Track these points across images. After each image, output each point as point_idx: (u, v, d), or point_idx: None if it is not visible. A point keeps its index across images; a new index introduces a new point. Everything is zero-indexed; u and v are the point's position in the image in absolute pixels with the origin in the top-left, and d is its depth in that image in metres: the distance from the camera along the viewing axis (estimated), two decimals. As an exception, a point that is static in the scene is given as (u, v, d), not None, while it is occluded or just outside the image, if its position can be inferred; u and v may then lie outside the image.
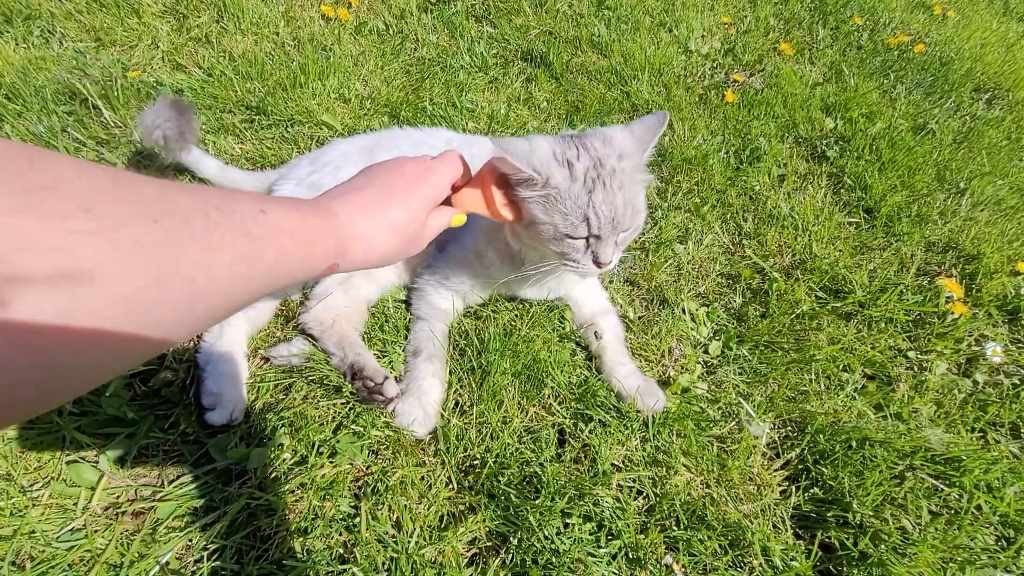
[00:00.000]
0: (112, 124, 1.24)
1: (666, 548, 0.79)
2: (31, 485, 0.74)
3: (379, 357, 0.95)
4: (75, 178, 0.31)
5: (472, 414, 0.88)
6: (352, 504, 0.78)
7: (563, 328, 1.02)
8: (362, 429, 0.83)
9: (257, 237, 0.40)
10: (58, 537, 0.70)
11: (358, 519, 0.75)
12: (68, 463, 0.76)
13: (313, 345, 0.93)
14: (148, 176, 0.36)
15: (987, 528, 0.86)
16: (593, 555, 0.76)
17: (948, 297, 1.18)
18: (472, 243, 0.95)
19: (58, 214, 0.28)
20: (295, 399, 0.87)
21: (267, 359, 0.92)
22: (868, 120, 1.71)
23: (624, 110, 1.61)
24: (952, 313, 1.14)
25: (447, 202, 0.65)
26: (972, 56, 2.17)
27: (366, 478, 0.80)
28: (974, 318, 1.18)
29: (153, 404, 0.83)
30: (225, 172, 1.13)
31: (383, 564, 0.72)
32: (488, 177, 0.70)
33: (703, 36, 2.00)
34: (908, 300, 1.17)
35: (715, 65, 1.87)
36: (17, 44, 1.41)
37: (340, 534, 0.75)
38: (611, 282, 1.15)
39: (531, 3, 1.96)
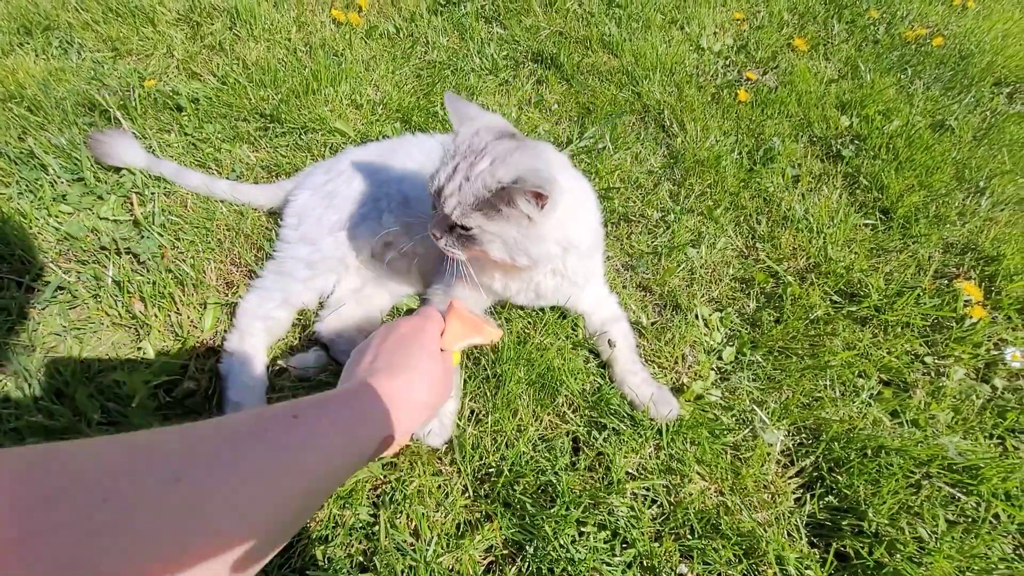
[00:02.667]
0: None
1: (680, 557, 0.80)
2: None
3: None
4: (89, 471, 0.33)
5: (487, 423, 0.89)
6: (371, 512, 0.79)
7: (576, 336, 1.02)
8: (379, 438, 0.85)
9: (293, 447, 0.43)
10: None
11: (377, 527, 0.77)
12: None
13: (328, 354, 0.94)
14: (166, 429, 0.39)
15: (1005, 537, 0.86)
16: (608, 563, 0.77)
17: (966, 300, 1.16)
18: (474, 273, 0.95)
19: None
20: (314, 408, 0.88)
21: (285, 369, 0.94)
22: (885, 118, 1.68)
23: (635, 111, 1.60)
24: (970, 317, 1.13)
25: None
26: (993, 49, 2.12)
27: (384, 487, 0.82)
28: (993, 322, 1.16)
29: (177, 413, 0.86)
30: (236, 189, 1.15)
31: (402, 572, 0.74)
32: (453, 312, 0.75)
33: (715, 33, 1.98)
34: (925, 304, 1.16)
35: (728, 63, 1.85)
36: (37, 55, 1.44)
37: (360, 542, 0.77)
38: (624, 288, 1.15)
39: (541, 3, 1.95)
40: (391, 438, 0.53)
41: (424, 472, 0.83)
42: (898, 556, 0.80)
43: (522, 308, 1.03)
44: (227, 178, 1.23)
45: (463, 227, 0.75)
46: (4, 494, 0.29)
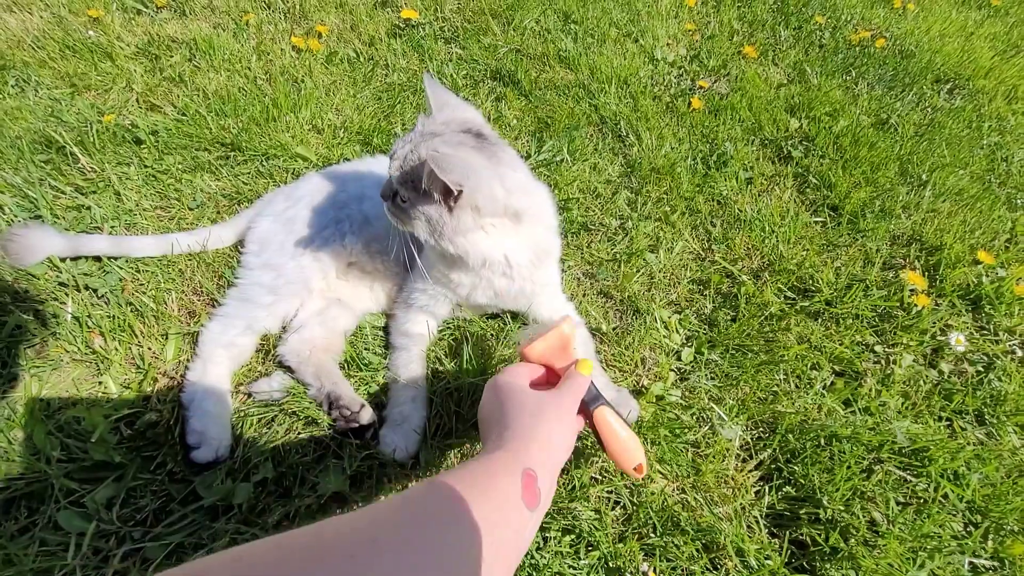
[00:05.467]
0: (89, 170, 1.26)
1: (644, 556, 0.82)
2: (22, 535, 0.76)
3: (359, 385, 0.98)
4: None
5: (453, 436, 0.91)
6: (337, 532, 0.80)
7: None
8: (344, 458, 0.86)
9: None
10: (50, 584, 0.72)
11: (343, 547, 0.77)
12: (59, 510, 0.78)
13: (292, 377, 0.95)
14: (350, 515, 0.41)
15: (954, 516, 0.89)
16: (573, 567, 0.79)
17: (912, 290, 1.21)
18: (423, 260, 0.97)
19: None
20: (277, 433, 0.89)
21: (249, 395, 0.94)
22: (832, 118, 1.75)
23: (593, 122, 1.64)
24: (916, 305, 1.18)
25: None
26: (932, 48, 2.22)
27: (351, 507, 0.83)
28: (937, 309, 1.21)
29: (140, 446, 0.86)
30: (200, 238, 1.10)
31: (369, 590, 0.75)
32: (533, 345, 0.75)
33: (668, 44, 2.05)
34: (873, 295, 1.21)
35: (681, 72, 1.92)
36: (-7, 95, 1.44)
37: (326, 563, 0.77)
38: (584, 295, 1.18)
39: (499, 22, 2.00)
40: (534, 492, 0.51)
41: (392, 489, 0.84)
42: (852, 541, 0.83)
43: (485, 312, 1.06)
44: (188, 207, 1.24)
45: (401, 196, 0.79)
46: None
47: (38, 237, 1.02)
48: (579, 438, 0.83)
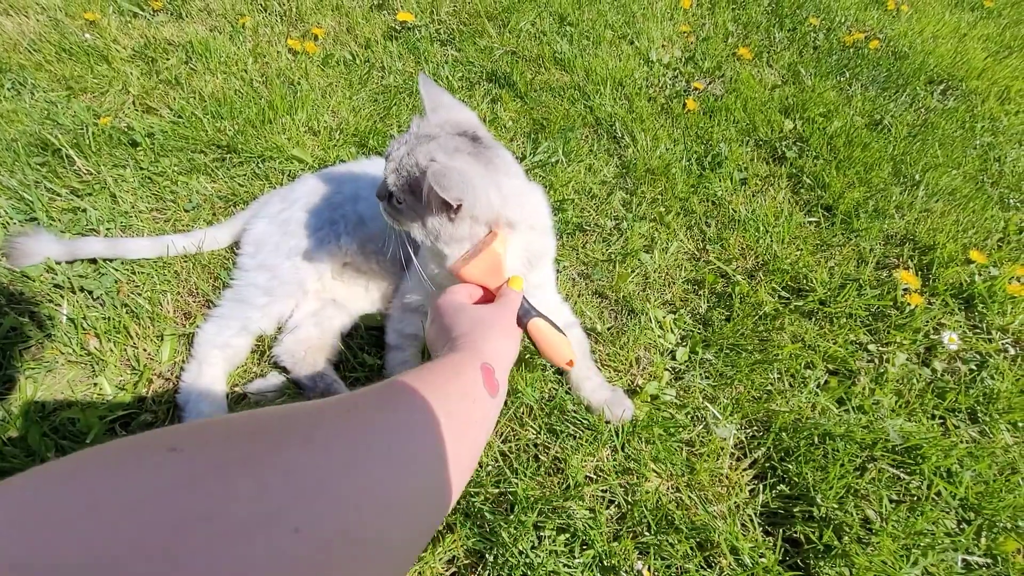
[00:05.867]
0: (85, 172, 1.27)
1: (638, 554, 0.82)
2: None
3: (355, 385, 0.98)
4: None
5: (446, 436, 0.91)
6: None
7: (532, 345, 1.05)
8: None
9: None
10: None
11: (338, 547, 0.78)
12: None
13: (287, 377, 0.96)
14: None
15: (947, 513, 0.90)
16: (568, 566, 0.79)
17: (905, 289, 1.22)
18: (419, 260, 0.98)
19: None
20: (273, 433, 0.89)
21: (245, 395, 0.95)
22: (826, 119, 1.76)
23: (588, 124, 1.65)
24: (909, 304, 1.19)
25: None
26: (925, 49, 2.24)
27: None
28: (930, 308, 1.22)
29: (134, 447, 0.86)
30: (196, 239, 1.11)
31: (363, 589, 0.75)
32: (469, 263, 0.77)
33: (663, 46, 2.06)
34: (867, 294, 1.21)
35: (676, 74, 1.93)
36: (-12, 98, 1.44)
37: (321, 563, 0.77)
38: (580, 296, 1.18)
39: (495, 24, 2.01)
40: (493, 382, 0.56)
41: (385, 489, 0.84)
42: (846, 538, 0.84)
43: None
44: (184, 209, 1.24)
45: (397, 199, 0.79)
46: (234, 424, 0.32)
47: (35, 243, 1.02)
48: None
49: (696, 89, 1.85)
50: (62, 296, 1.03)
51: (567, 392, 0.98)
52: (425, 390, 0.45)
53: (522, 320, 0.76)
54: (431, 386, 0.46)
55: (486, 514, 0.81)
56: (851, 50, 2.18)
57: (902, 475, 0.93)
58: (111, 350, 0.97)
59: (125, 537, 0.25)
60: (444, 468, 0.43)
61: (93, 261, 1.08)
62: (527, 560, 0.78)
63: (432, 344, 0.68)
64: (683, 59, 2.00)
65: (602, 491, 0.88)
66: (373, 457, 0.36)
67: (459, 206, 0.74)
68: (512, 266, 0.88)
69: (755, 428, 0.99)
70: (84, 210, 1.18)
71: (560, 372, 1.02)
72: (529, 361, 1.01)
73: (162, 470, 0.28)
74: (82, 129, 1.36)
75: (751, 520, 0.88)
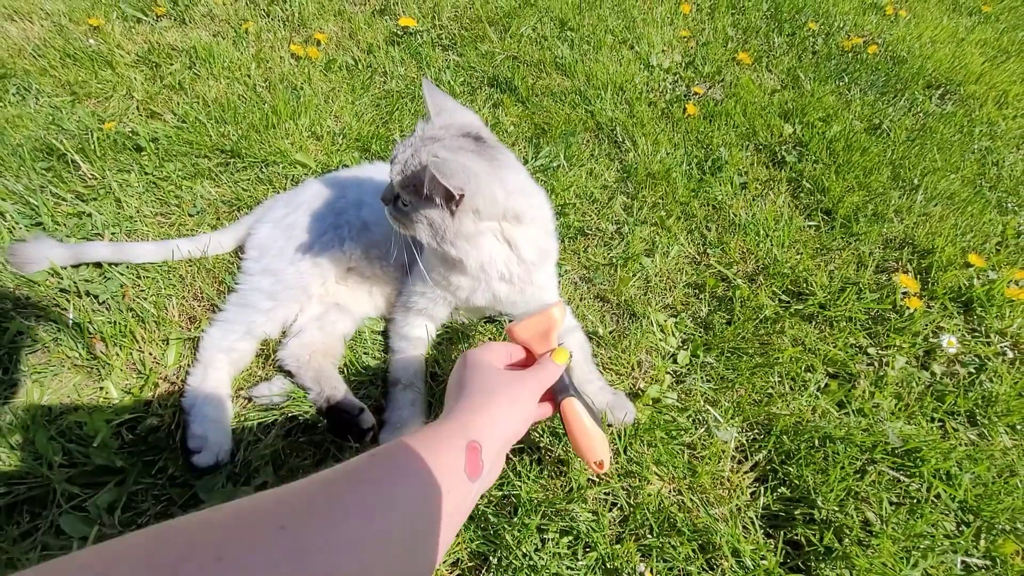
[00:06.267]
0: (90, 177, 1.27)
1: (640, 556, 0.82)
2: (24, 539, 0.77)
3: (359, 389, 0.99)
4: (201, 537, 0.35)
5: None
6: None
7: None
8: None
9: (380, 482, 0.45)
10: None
11: (343, 550, 0.78)
12: (61, 514, 0.78)
13: (291, 381, 0.96)
14: (263, 492, 0.40)
15: (947, 515, 0.91)
16: (571, 568, 0.80)
17: (904, 292, 1.23)
18: (423, 263, 0.98)
19: None
20: (277, 437, 0.90)
21: (250, 399, 0.95)
22: (825, 123, 1.77)
23: (589, 129, 1.66)
24: (908, 308, 1.20)
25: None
26: (923, 54, 2.25)
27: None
28: (929, 311, 1.23)
29: (141, 451, 0.86)
30: (201, 244, 1.11)
31: (369, 592, 0.75)
32: (517, 327, 0.75)
33: (664, 51, 2.07)
34: (866, 298, 1.22)
35: (676, 79, 1.94)
36: (-6, 104, 1.45)
37: (326, 565, 0.78)
38: (582, 299, 1.19)
39: (496, 29, 2.02)
40: (476, 464, 0.53)
41: (389, 492, 0.85)
42: (846, 541, 0.84)
43: (483, 315, 1.07)
44: (188, 214, 1.25)
45: (402, 200, 0.80)
46: (141, 566, 0.32)
47: (37, 249, 1.03)
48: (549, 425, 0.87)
49: (696, 94, 1.86)
50: (68, 300, 1.04)
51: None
52: (405, 476, 0.45)
53: (556, 397, 0.71)
54: (411, 471, 0.45)
55: (490, 517, 0.82)
56: (850, 55, 2.19)
57: (902, 478, 0.93)
58: (117, 354, 0.98)
59: None
60: (413, 560, 0.43)
61: (98, 265, 1.09)
62: (531, 562, 0.78)
63: (447, 394, 0.65)
64: (683, 64, 2.02)
65: (604, 494, 0.88)
66: (347, 550, 0.38)
67: (461, 197, 0.74)
68: (520, 262, 0.88)
69: (756, 431, 1.00)
70: (89, 215, 1.19)
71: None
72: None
73: None
74: (87, 134, 1.37)
75: (752, 522, 0.88)
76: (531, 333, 0.74)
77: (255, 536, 0.35)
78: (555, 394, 0.71)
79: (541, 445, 0.93)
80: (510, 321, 0.76)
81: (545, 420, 0.82)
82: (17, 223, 1.15)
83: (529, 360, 0.75)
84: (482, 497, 0.84)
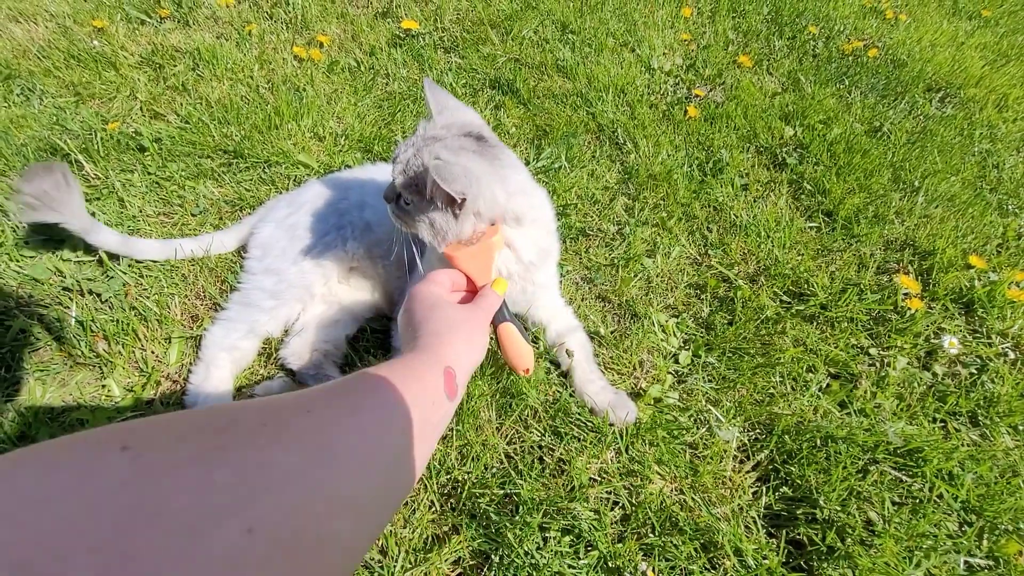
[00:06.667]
0: (93, 177, 1.28)
1: (642, 556, 0.82)
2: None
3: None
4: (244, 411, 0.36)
5: (453, 437, 0.92)
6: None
7: (537, 348, 1.06)
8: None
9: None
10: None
11: (344, 547, 0.78)
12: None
13: (293, 380, 0.96)
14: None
15: (949, 515, 0.90)
16: (573, 567, 0.80)
17: (906, 293, 1.23)
18: (425, 262, 0.99)
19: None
20: (280, 435, 0.90)
21: (252, 397, 0.95)
22: (825, 126, 1.78)
23: (590, 130, 1.67)
24: (910, 309, 1.20)
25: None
26: (923, 57, 2.26)
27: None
28: (930, 312, 1.23)
29: (142, 448, 0.86)
30: (205, 243, 1.12)
31: (370, 590, 0.75)
32: (455, 259, 0.79)
33: (665, 54, 2.08)
34: (868, 299, 1.22)
35: (677, 81, 1.95)
36: (-2, 104, 1.46)
37: (328, 563, 0.78)
38: (583, 299, 1.19)
39: (498, 32, 2.03)
40: (453, 387, 0.57)
41: (391, 490, 0.85)
42: (849, 540, 0.84)
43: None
44: (191, 214, 1.25)
45: (404, 200, 0.80)
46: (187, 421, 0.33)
47: (69, 198, 0.95)
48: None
49: (697, 96, 1.87)
50: (71, 299, 1.04)
51: (571, 395, 0.99)
52: (388, 390, 0.46)
53: (495, 322, 0.78)
54: (394, 387, 0.47)
55: (491, 515, 0.81)
56: (850, 58, 2.20)
57: (904, 478, 0.93)
58: (119, 352, 0.98)
59: (71, 532, 0.25)
60: (401, 470, 0.44)
61: (100, 263, 1.10)
62: (532, 561, 0.78)
63: (400, 331, 0.68)
64: (684, 67, 2.02)
65: (606, 493, 0.88)
66: (331, 458, 0.36)
67: (463, 200, 0.75)
68: (521, 261, 0.89)
69: (758, 431, 1.00)
70: (92, 214, 1.19)
71: (564, 375, 1.03)
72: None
73: (110, 468, 0.28)
74: (90, 134, 1.38)
75: (754, 522, 0.88)
76: (473, 262, 0.78)
77: (236, 441, 0.33)
78: (493, 320, 0.78)
79: (543, 444, 0.93)
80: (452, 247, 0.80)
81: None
82: (20, 222, 1.16)
83: (470, 286, 0.78)
84: (484, 495, 0.84)
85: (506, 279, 0.91)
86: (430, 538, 0.82)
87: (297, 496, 0.32)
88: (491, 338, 0.83)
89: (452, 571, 0.80)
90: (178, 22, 1.88)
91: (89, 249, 1.09)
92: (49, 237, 1.13)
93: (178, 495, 0.28)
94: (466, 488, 0.85)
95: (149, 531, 0.26)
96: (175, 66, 1.66)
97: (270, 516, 0.30)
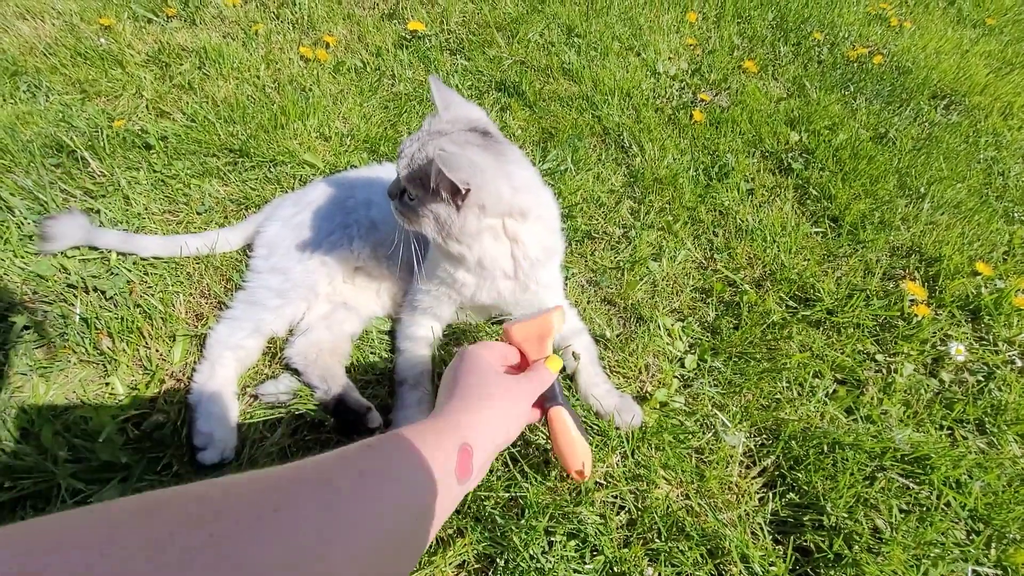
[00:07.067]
0: (99, 174, 1.28)
1: (648, 560, 0.82)
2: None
3: (365, 388, 0.99)
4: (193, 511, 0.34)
5: (457, 440, 0.91)
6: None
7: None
8: (350, 460, 0.86)
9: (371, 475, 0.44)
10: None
11: (348, 549, 0.78)
12: (65, 510, 0.78)
13: (298, 379, 0.96)
14: (250, 473, 0.40)
15: (957, 523, 0.90)
16: (578, 571, 0.79)
17: (912, 300, 1.23)
18: (429, 260, 0.99)
19: None
20: (283, 435, 0.89)
21: (256, 396, 0.95)
22: (831, 132, 1.78)
23: (596, 133, 1.67)
24: (916, 315, 1.19)
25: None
26: (928, 65, 2.26)
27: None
28: (937, 319, 1.22)
29: (146, 447, 0.86)
30: (209, 240, 1.12)
31: (374, 592, 0.75)
32: (513, 329, 0.76)
33: (670, 58, 2.08)
34: (874, 305, 1.22)
35: (682, 86, 1.95)
36: (4, 100, 1.46)
37: (331, 565, 0.77)
38: (589, 302, 1.19)
39: (504, 35, 2.03)
40: (467, 467, 0.53)
41: (395, 492, 0.84)
42: (856, 547, 0.83)
43: (488, 314, 1.07)
44: (196, 212, 1.25)
45: (409, 195, 0.79)
46: (135, 537, 0.31)
47: (71, 225, 1.06)
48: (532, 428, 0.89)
49: (703, 100, 1.87)
50: (75, 296, 1.04)
51: (577, 399, 0.98)
52: (399, 469, 0.45)
53: (545, 404, 0.71)
54: (405, 465, 0.45)
55: (497, 518, 0.81)
56: (855, 64, 2.20)
57: (911, 485, 0.93)
58: (123, 350, 0.97)
59: None
60: (400, 555, 0.43)
61: (105, 261, 1.09)
62: (538, 565, 0.77)
63: (442, 387, 0.65)
64: (689, 71, 2.03)
65: (612, 497, 0.88)
66: (339, 535, 0.37)
67: (467, 191, 0.74)
68: (525, 258, 0.88)
69: (764, 436, 0.99)
70: (98, 211, 1.19)
71: (570, 378, 1.02)
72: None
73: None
74: (96, 132, 1.37)
75: (761, 528, 0.88)
76: (528, 336, 0.74)
77: (250, 516, 0.34)
78: (544, 401, 0.72)
79: (548, 448, 0.92)
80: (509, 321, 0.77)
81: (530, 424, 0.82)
82: (26, 219, 1.15)
83: (523, 363, 0.75)
84: (489, 498, 0.84)
85: (509, 276, 0.90)
86: (434, 541, 0.81)
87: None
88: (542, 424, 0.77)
89: (456, 574, 0.79)
90: (185, 21, 1.88)
91: (94, 246, 1.09)
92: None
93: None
94: (471, 491, 0.84)
95: None
96: (181, 65, 1.66)
97: None
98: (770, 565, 0.82)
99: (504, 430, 0.60)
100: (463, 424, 0.55)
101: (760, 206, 1.49)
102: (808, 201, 1.53)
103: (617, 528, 0.85)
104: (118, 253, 1.10)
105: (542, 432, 0.93)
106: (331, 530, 0.37)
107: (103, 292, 1.05)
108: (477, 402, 0.58)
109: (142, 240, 1.09)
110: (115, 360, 0.96)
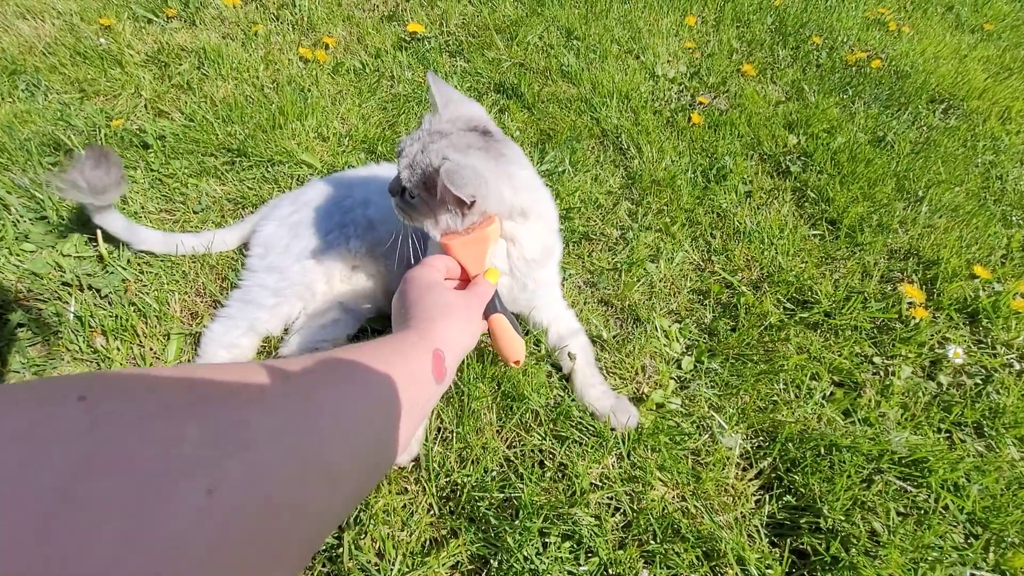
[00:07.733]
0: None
1: (643, 562, 0.81)
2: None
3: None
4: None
5: (453, 440, 0.91)
6: (335, 535, 0.79)
7: (539, 351, 1.05)
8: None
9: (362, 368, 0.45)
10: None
11: (341, 550, 0.77)
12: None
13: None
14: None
15: (955, 527, 0.89)
16: (573, 573, 0.78)
17: (910, 303, 1.22)
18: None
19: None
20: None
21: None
22: (829, 135, 1.78)
23: (594, 135, 1.67)
24: (914, 318, 1.19)
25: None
26: (927, 69, 2.27)
27: (349, 508, 0.82)
28: (935, 322, 1.22)
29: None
30: (206, 240, 1.12)
31: (366, 593, 0.74)
32: (451, 245, 0.78)
33: (669, 61, 2.09)
34: (872, 307, 1.22)
35: (681, 88, 1.95)
36: (2, 99, 1.46)
37: (323, 565, 0.77)
38: (586, 303, 1.19)
39: (503, 37, 2.04)
40: (441, 370, 0.55)
41: (390, 491, 0.84)
42: (853, 550, 0.83)
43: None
44: (193, 211, 1.25)
45: (410, 193, 0.79)
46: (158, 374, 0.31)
47: (105, 179, 1.00)
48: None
49: (701, 103, 1.87)
50: (70, 293, 1.03)
51: (572, 399, 0.98)
52: (375, 367, 0.45)
53: (486, 314, 0.77)
54: (381, 364, 0.46)
55: (491, 519, 0.80)
56: (853, 68, 2.21)
57: (909, 488, 0.92)
58: (118, 348, 0.97)
59: (13, 477, 0.23)
60: (382, 444, 0.43)
61: (100, 259, 1.09)
62: (532, 566, 0.77)
63: (394, 314, 0.67)
64: (688, 74, 2.03)
65: (608, 498, 0.87)
66: (310, 424, 0.35)
67: (473, 203, 0.74)
68: (531, 254, 0.88)
69: (761, 438, 0.99)
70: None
71: (566, 378, 1.02)
72: (535, 366, 1.01)
73: (64, 417, 0.26)
74: (94, 130, 1.37)
75: (757, 530, 0.87)
76: (468, 251, 0.77)
77: (206, 399, 0.31)
78: (485, 311, 0.77)
79: (543, 448, 0.92)
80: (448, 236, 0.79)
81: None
82: (22, 216, 1.15)
83: (463, 275, 0.78)
84: (483, 499, 0.83)
85: (505, 273, 0.90)
86: (428, 542, 0.81)
87: (269, 458, 0.31)
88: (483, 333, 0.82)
89: (450, 575, 0.79)
90: (185, 22, 1.89)
91: (88, 242, 1.09)
92: (52, 229, 1.12)
93: (141, 448, 0.26)
94: (465, 491, 0.83)
95: (100, 482, 0.25)
96: (180, 65, 1.66)
97: (236, 478, 0.29)
98: (766, 568, 0.82)
99: (464, 338, 0.64)
100: (430, 334, 0.57)
101: (758, 208, 1.49)
102: (806, 204, 1.53)
103: (612, 530, 0.84)
104: (114, 245, 1.09)
105: (537, 433, 0.93)
106: (320, 407, 0.37)
107: (98, 290, 1.05)
108: (440, 316, 0.61)
109: (142, 232, 1.09)
110: (109, 358, 0.96)
